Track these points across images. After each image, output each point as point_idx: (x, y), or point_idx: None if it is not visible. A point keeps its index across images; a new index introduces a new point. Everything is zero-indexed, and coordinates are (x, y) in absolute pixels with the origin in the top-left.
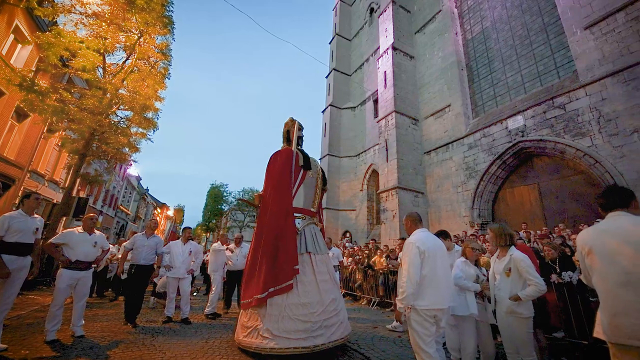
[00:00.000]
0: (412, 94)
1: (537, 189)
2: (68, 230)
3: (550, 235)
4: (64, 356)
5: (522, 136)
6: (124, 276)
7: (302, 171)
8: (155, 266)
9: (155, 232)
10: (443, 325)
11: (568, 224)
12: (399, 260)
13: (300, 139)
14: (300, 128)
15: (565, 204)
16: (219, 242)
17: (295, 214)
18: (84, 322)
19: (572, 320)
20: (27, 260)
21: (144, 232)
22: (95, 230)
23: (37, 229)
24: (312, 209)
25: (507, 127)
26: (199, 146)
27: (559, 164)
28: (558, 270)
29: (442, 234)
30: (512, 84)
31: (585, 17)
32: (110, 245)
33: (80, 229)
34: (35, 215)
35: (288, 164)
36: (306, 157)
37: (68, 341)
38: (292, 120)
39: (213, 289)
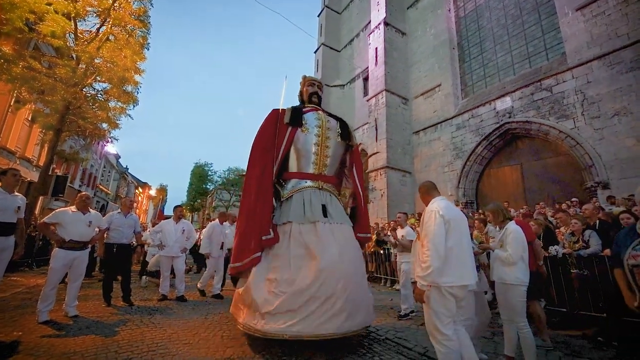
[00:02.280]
0: (402, 72)
1: (520, 169)
2: (61, 209)
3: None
4: (64, 335)
5: (509, 117)
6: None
7: (289, 129)
8: (135, 244)
9: (138, 212)
10: (464, 304)
11: (548, 203)
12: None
13: (314, 95)
14: (312, 83)
15: (545, 184)
16: (216, 220)
17: (283, 179)
18: (77, 302)
19: (552, 290)
20: (10, 240)
21: (119, 211)
22: (91, 209)
23: (18, 207)
24: (312, 172)
25: (495, 108)
26: (181, 124)
27: (542, 145)
28: (542, 245)
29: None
30: (502, 64)
31: None
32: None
33: (74, 208)
34: (16, 193)
35: (269, 125)
36: (297, 111)
37: (63, 321)
38: (303, 78)
39: (206, 269)
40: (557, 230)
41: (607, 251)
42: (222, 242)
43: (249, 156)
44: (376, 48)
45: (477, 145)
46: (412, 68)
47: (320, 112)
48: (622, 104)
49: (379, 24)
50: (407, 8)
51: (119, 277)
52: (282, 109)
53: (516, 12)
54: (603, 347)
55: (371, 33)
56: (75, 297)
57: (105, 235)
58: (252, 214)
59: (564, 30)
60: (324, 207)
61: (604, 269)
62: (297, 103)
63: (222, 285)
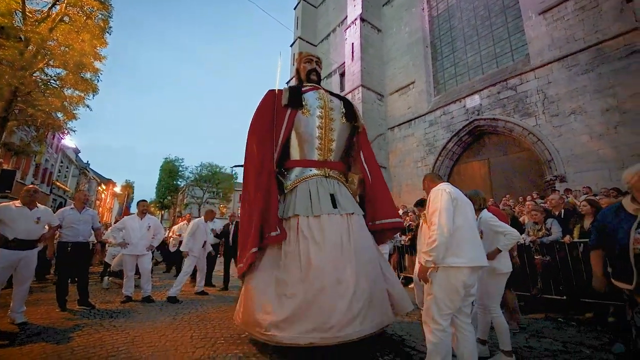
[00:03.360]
0: (378, 69)
1: (487, 164)
2: (3, 204)
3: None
4: (9, 345)
5: (478, 115)
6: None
7: (288, 111)
8: (94, 243)
9: (102, 210)
10: (473, 292)
11: (512, 196)
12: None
13: (312, 72)
14: (310, 59)
15: (510, 178)
16: (201, 218)
17: (286, 169)
18: (25, 308)
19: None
20: None
21: (72, 207)
22: (39, 204)
23: None
24: (316, 158)
25: (465, 106)
26: (149, 120)
27: (507, 141)
28: None
29: (420, 204)
30: (472, 64)
31: (540, 2)
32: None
33: (18, 202)
34: None
35: (265, 108)
36: (296, 91)
37: (9, 328)
38: (299, 54)
39: (183, 269)
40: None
41: (567, 238)
42: (205, 241)
43: (245, 145)
44: (352, 44)
45: (448, 142)
46: (387, 65)
47: (321, 90)
48: (578, 104)
49: (356, 19)
50: (383, 5)
51: (76, 279)
52: (278, 90)
53: (485, 13)
54: (564, 327)
55: (348, 28)
56: (23, 302)
57: (57, 234)
58: (251, 209)
59: (527, 33)
60: (332, 197)
61: (564, 255)
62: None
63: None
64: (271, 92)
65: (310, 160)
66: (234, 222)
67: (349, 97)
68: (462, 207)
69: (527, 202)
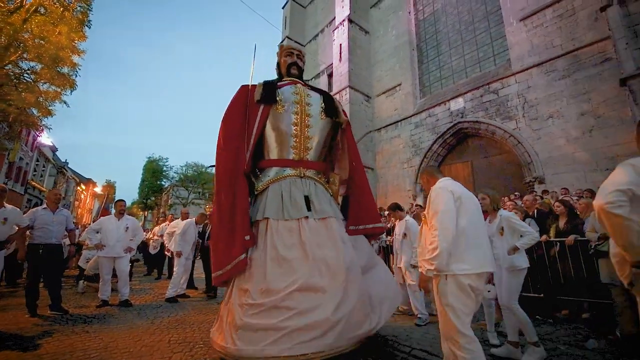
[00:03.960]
0: (366, 70)
1: (470, 166)
2: None
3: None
4: None
5: (462, 117)
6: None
7: (261, 107)
8: (67, 243)
9: (81, 211)
10: (491, 296)
11: None
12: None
13: (293, 66)
14: (290, 52)
15: (492, 179)
16: (193, 219)
17: (259, 169)
18: None
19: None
20: None
21: (45, 207)
22: (6, 204)
23: None
24: (292, 157)
25: (449, 109)
26: (132, 116)
27: (489, 143)
28: None
29: (396, 207)
30: (456, 67)
31: (521, 10)
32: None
33: None
34: None
35: (236, 104)
36: (270, 86)
37: None
38: (280, 47)
39: (176, 270)
40: None
41: (544, 237)
42: (194, 243)
43: (216, 146)
44: (340, 44)
45: (433, 143)
46: (374, 67)
47: (299, 84)
48: (556, 108)
49: (344, 20)
50: (370, 7)
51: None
52: (252, 85)
53: (469, 18)
54: (540, 324)
55: (336, 29)
56: None
57: (28, 235)
58: (225, 212)
59: (509, 39)
60: (307, 199)
61: (541, 253)
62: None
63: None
64: (244, 87)
65: (284, 159)
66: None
67: (336, 97)
68: (466, 206)
69: (507, 202)
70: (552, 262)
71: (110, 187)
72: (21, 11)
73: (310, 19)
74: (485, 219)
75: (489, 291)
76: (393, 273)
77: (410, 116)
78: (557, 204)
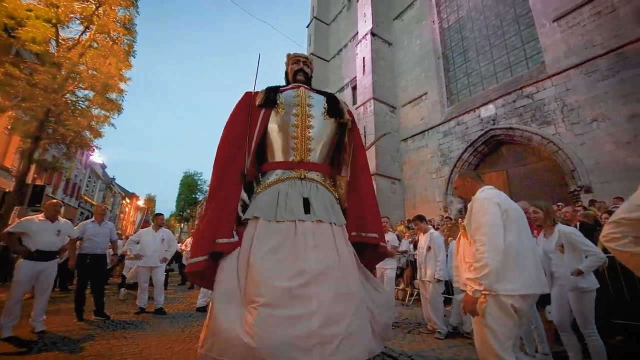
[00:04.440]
0: (390, 81)
1: (505, 175)
2: (27, 218)
3: None
4: (27, 352)
5: (493, 124)
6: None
7: (262, 111)
8: (111, 253)
9: (125, 223)
10: (551, 318)
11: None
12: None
13: (299, 72)
14: (297, 59)
15: (531, 189)
16: None
17: (262, 173)
18: (45, 317)
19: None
20: None
21: (93, 220)
22: (60, 218)
23: None
24: (292, 159)
25: (479, 116)
26: (168, 134)
27: (526, 151)
28: None
29: (419, 218)
30: (485, 73)
31: (553, 10)
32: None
33: (41, 216)
34: None
35: (239, 110)
36: (272, 91)
37: (28, 337)
38: (287, 56)
39: None
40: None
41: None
42: None
43: (217, 145)
44: (363, 58)
45: (464, 152)
46: (399, 77)
47: (301, 88)
48: (600, 111)
49: (366, 34)
50: (393, 19)
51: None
52: (255, 92)
53: (497, 23)
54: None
55: (358, 43)
56: (43, 311)
57: (78, 245)
58: (206, 211)
59: (542, 41)
60: (306, 202)
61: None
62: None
63: None
64: (248, 93)
65: (284, 162)
66: None
67: (360, 110)
68: (513, 221)
69: (564, 209)
70: (600, 279)
71: (150, 200)
72: (78, 47)
73: (334, 35)
74: (537, 234)
75: (549, 312)
76: (417, 288)
77: (438, 125)
78: (605, 215)
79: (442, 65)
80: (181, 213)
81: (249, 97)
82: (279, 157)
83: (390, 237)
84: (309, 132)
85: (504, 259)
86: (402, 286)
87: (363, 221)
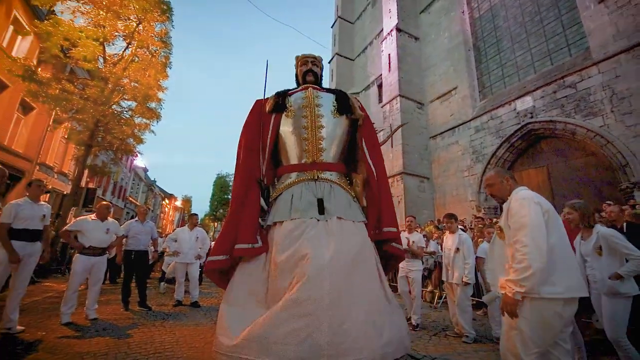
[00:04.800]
0: (417, 77)
1: (546, 171)
2: (81, 218)
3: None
4: (82, 337)
5: (531, 117)
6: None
7: (273, 116)
8: (151, 250)
9: (165, 222)
10: (599, 326)
11: None
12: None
13: (308, 73)
14: (305, 60)
15: (575, 186)
16: None
17: (277, 177)
18: (97, 306)
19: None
20: (37, 246)
21: (137, 219)
22: (109, 217)
23: (44, 215)
24: (304, 161)
25: (515, 109)
26: (202, 137)
27: (569, 145)
28: None
29: (451, 217)
30: (521, 63)
31: None
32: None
33: (93, 216)
34: (42, 202)
35: (252, 118)
36: (280, 95)
37: (83, 323)
38: (296, 58)
39: None
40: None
41: None
42: None
43: (237, 148)
44: (389, 54)
45: (498, 148)
46: (426, 72)
47: (309, 88)
48: None
49: (391, 30)
50: (420, 13)
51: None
52: (265, 98)
53: (534, 9)
54: None
55: (384, 40)
56: (95, 300)
57: (124, 242)
58: (227, 215)
59: (586, 25)
60: (320, 202)
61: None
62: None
63: None
64: (258, 101)
65: (297, 164)
66: None
67: (387, 107)
68: (554, 222)
69: (609, 209)
70: None
71: (187, 201)
72: (122, 62)
73: (359, 33)
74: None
75: (597, 320)
76: (435, 288)
77: (469, 120)
78: None
79: (473, 57)
80: (214, 213)
81: (259, 104)
82: (292, 160)
83: (416, 237)
84: (320, 132)
85: (548, 260)
86: (429, 288)
87: (379, 218)
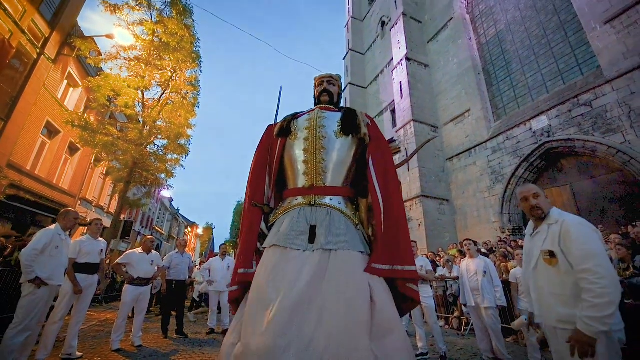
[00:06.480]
0: (429, 102)
1: (569, 190)
2: (130, 251)
3: None
4: None
5: (548, 136)
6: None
7: (279, 141)
8: (188, 279)
9: (187, 250)
10: None
11: (607, 227)
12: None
13: (323, 93)
14: (321, 81)
15: (601, 204)
16: None
17: (284, 200)
18: (141, 333)
19: None
20: (95, 278)
21: (177, 251)
22: (152, 250)
23: (101, 250)
24: (302, 185)
25: (531, 128)
26: (221, 165)
27: (590, 163)
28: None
29: (472, 241)
30: (533, 84)
31: (604, 12)
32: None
33: (140, 249)
34: (100, 239)
35: (262, 145)
36: (287, 119)
37: (130, 349)
38: (314, 79)
39: None
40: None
41: None
42: None
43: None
44: (400, 82)
45: (518, 168)
46: (438, 97)
47: (316, 109)
48: None
49: (401, 59)
50: (428, 42)
51: (173, 312)
52: (275, 123)
53: (540, 32)
54: None
55: (394, 69)
56: (140, 328)
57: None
58: (238, 245)
59: (594, 45)
60: (312, 230)
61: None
62: None
63: None
64: (270, 127)
65: (295, 188)
66: None
67: (401, 132)
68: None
69: (613, 235)
70: None
71: (209, 229)
72: (158, 106)
73: (370, 63)
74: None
75: None
76: (462, 314)
77: (486, 141)
78: None
79: (484, 80)
80: (235, 240)
81: (270, 130)
82: (292, 184)
83: (422, 261)
84: (321, 154)
85: None
86: (456, 314)
87: (388, 251)
